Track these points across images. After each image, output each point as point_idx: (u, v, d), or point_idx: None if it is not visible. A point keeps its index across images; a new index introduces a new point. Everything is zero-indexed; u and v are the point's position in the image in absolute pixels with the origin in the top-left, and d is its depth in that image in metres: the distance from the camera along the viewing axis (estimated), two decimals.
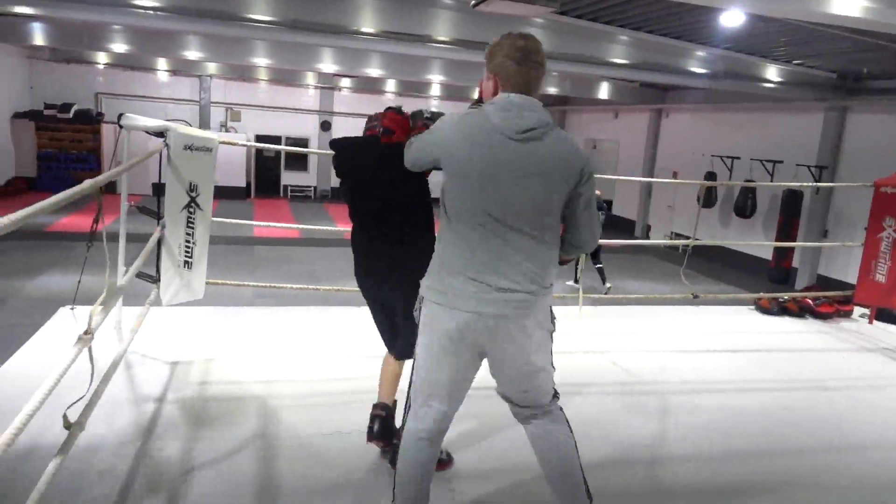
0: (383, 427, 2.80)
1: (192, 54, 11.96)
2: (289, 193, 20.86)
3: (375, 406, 2.84)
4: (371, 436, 2.81)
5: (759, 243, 12.78)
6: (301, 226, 6.94)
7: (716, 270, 12.78)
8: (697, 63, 10.48)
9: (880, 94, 10.67)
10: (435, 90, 19.37)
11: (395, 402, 2.86)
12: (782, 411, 3.74)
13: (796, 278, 12.07)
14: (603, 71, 10.86)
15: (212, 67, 16.97)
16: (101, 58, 16.62)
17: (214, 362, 3.85)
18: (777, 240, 11.85)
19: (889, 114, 10.70)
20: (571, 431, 2.27)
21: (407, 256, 2.61)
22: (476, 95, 2.31)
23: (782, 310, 5.56)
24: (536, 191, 2.05)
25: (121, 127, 3.60)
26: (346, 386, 3.53)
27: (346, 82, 19.36)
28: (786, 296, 5.72)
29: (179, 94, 18.84)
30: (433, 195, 2.43)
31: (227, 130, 19.07)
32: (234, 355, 3.99)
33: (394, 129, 2.72)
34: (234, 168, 18.71)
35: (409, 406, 2.26)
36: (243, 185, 19.47)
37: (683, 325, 5.30)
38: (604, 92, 14.86)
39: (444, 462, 2.83)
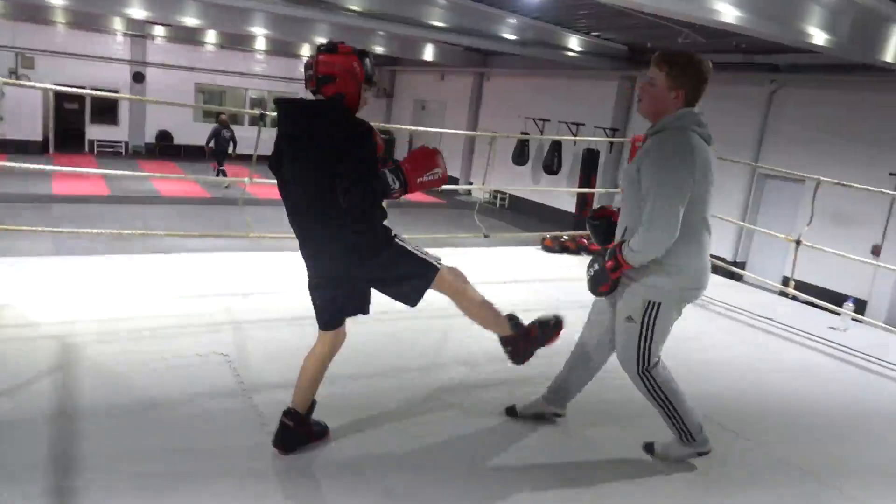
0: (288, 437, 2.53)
1: None
2: (95, 149, 19.16)
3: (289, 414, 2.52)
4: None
5: (543, 188, 14.19)
6: (105, 171, 6.53)
7: (525, 222, 14.00)
8: (509, 30, 11.20)
9: None
10: (260, 44, 18.71)
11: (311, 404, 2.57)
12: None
13: None
14: (425, 33, 11.27)
15: None
16: None
17: (6, 309, 3.75)
18: (579, 193, 13.26)
19: None
20: None
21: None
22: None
23: (562, 248, 6.44)
24: None
25: None
26: (152, 323, 3.65)
27: (160, 31, 18.03)
28: (565, 236, 6.60)
29: None
30: None
31: (17, 78, 16.99)
32: (29, 302, 3.89)
33: (334, 74, 2.16)
34: (26, 119, 16.85)
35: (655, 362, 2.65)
36: (39, 138, 17.59)
37: (476, 261, 5.91)
38: (429, 54, 15.36)
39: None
